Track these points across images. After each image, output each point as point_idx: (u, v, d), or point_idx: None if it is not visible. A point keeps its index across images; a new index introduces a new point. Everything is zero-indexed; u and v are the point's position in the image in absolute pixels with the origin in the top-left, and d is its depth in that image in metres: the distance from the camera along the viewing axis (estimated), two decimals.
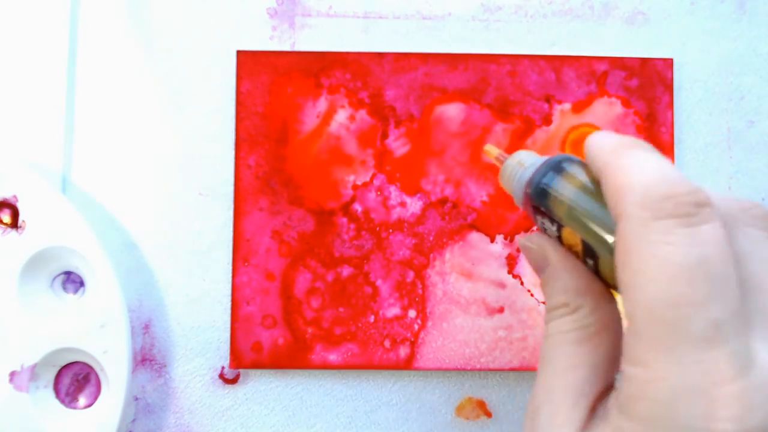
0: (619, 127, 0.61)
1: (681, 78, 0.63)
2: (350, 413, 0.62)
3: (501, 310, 0.61)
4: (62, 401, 0.60)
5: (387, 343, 0.60)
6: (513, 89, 0.62)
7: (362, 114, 0.61)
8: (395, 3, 0.63)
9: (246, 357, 0.60)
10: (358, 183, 0.61)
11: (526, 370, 0.61)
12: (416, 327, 0.60)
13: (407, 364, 0.60)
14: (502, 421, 0.62)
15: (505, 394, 0.62)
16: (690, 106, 0.63)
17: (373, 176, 0.61)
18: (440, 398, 0.62)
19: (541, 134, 0.62)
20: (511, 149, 0.61)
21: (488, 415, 0.62)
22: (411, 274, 0.61)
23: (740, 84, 0.64)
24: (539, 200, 0.44)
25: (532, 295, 0.61)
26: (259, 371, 0.61)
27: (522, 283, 0.61)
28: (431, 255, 0.61)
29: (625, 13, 0.64)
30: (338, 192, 0.61)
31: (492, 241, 0.61)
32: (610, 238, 0.40)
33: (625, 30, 0.63)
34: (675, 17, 0.64)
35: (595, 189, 0.42)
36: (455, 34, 0.63)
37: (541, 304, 0.61)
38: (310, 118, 0.61)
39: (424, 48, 0.63)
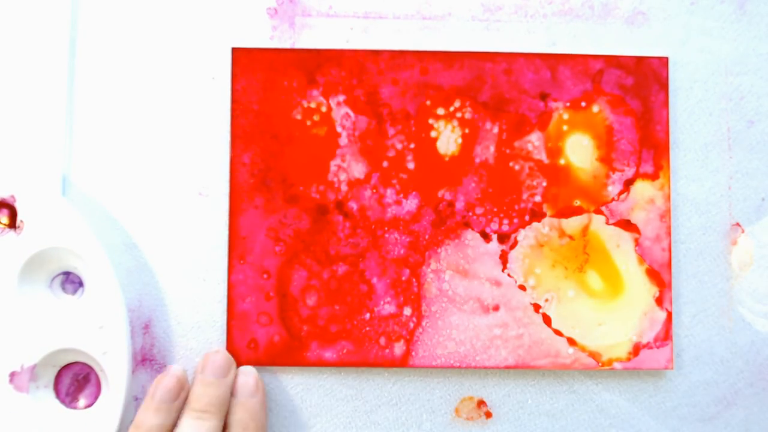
0: (614, 125, 0.61)
1: (680, 78, 0.63)
2: (349, 413, 0.62)
3: (496, 308, 0.61)
4: (62, 401, 0.60)
5: (382, 341, 0.60)
6: (508, 87, 0.62)
7: (358, 112, 0.61)
8: (395, 3, 0.63)
9: (242, 354, 0.60)
10: (354, 181, 0.61)
11: (522, 368, 0.61)
12: (411, 325, 0.60)
13: (402, 362, 0.60)
14: (502, 421, 0.62)
15: (504, 393, 0.62)
16: (689, 106, 0.63)
17: (369, 174, 0.61)
18: (439, 398, 0.62)
19: (537, 134, 0.62)
20: (507, 145, 0.61)
21: (488, 414, 0.62)
22: (406, 272, 0.61)
23: (740, 84, 0.64)
24: None
25: (524, 289, 0.61)
26: (258, 370, 0.61)
27: (516, 282, 0.61)
28: (426, 253, 0.61)
29: (625, 13, 0.63)
30: (334, 190, 0.61)
31: (487, 239, 0.61)
32: None
33: (625, 30, 0.63)
34: (675, 17, 0.64)
35: None
36: (455, 34, 0.63)
37: (531, 304, 0.61)
38: (306, 116, 0.61)
39: (424, 48, 0.63)
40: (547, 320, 0.61)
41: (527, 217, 0.61)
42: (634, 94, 0.62)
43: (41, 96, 0.61)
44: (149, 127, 0.62)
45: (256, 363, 0.60)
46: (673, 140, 0.63)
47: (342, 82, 0.61)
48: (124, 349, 0.58)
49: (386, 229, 0.61)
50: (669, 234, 0.61)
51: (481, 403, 0.62)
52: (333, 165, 0.61)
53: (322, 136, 0.61)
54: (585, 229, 0.61)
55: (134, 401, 0.61)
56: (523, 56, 0.62)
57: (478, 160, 0.61)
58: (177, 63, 0.62)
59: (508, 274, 0.61)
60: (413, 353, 0.60)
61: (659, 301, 0.61)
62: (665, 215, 0.61)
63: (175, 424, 0.58)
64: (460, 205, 0.61)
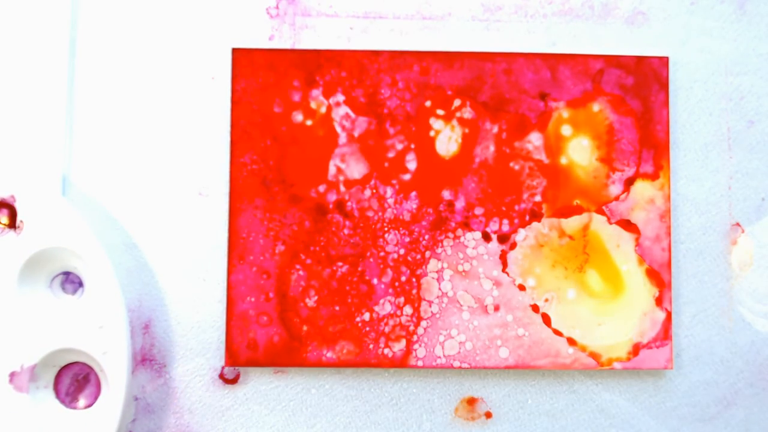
0: (614, 125, 0.61)
1: (680, 78, 0.63)
2: (350, 413, 0.62)
3: (496, 308, 0.61)
4: (62, 401, 0.60)
5: (382, 341, 0.60)
6: (508, 87, 0.62)
7: (358, 112, 0.61)
8: (395, 3, 0.63)
9: (241, 354, 0.60)
10: (354, 181, 0.61)
11: (522, 368, 0.61)
12: (411, 325, 0.60)
13: (402, 362, 0.60)
14: (502, 421, 0.62)
15: (505, 393, 0.62)
16: (689, 106, 0.63)
17: (369, 174, 0.61)
18: (440, 398, 0.62)
19: (536, 134, 0.62)
20: (507, 145, 0.61)
21: (488, 414, 0.62)
22: (406, 272, 0.61)
23: (740, 84, 0.64)
24: None
25: (524, 289, 0.61)
26: (258, 371, 0.61)
27: (516, 282, 0.61)
28: (426, 253, 0.61)
29: (625, 12, 0.63)
30: (334, 190, 0.61)
31: (487, 239, 0.61)
32: None
33: (625, 30, 0.63)
34: (675, 17, 0.64)
35: None
36: (455, 34, 0.63)
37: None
38: (306, 117, 0.61)
39: (424, 48, 0.63)
40: (547, 320, 0.61)
41: (527, 217, 0.61)
42: (634, 94, 0.62)
43: (41, 96, 0.61)
44: (149, 127, 0.62)
45: (256, 363, 0.60)
46: (673, 140, 0.63)
47: (342, 82, 0.61)
48: (124, 349, 0.58)
49: (386, 229, 0.61)
50: (669, 234, 0.61)
51: (481, 403, 0.62)
52: (333, 165, 0.61)
53: (321, 136, 0.61)
54: (585, 229, 0.61)
55: (134, 401, 0.61)
56: (523, 56, 0.62)
57: (478, 160, 0.61)
58: (177, 63, 0.62)
59: (508, 274, 0.61)
60: (413, 353, 0.60)
61: (659, 301, 0.61)
62: (665, 215, 0.61)
63: None
64: (460, 205, 0.61)
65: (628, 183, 0.61)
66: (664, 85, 0.62)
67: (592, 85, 0.62)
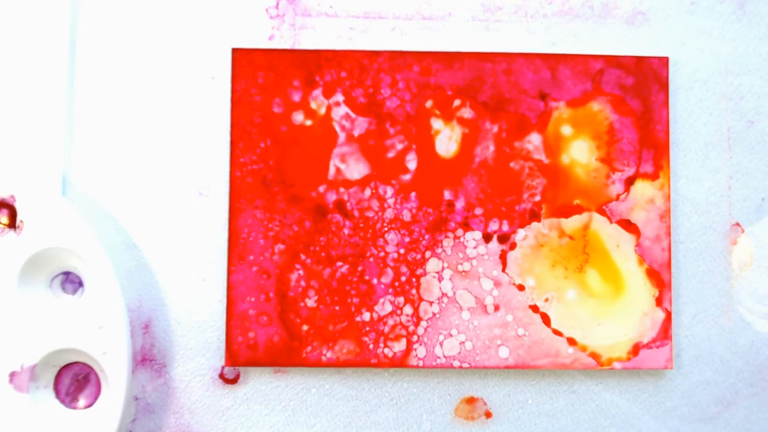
0: (614, 125, 0.61)
1: (680, 78, 0.63)
2: (350, 413, 0.62)
3: (496, 308, 0.61)
4: (62, 401, 0.60)
5: (382, 341, 0.60)
6: (508, 87, 0.61)
7: (358, 112, 0.61)
8: (395, 3, 0.63)
9: (241, 354, 0.60)
10: (354, 181, 0.61)
11: (522, 368, 0.61)
12: (411, 325, 0.60)
13: (402, 362, 0.60)
14: (502, 421, 0.62)
15: (505, 393, 0.62)
16: (689, 106, 0.63)
17: (369, 174, 0.61)
18: (440, 398, 0.62)
19: (536, 134, 0.62)
20: (507, 145, 0.61)
21: (488, 414, 0.62)
22: (406, 273, 0.61)
23: (740, 84, 0.63)
24: None
25: (523, 289, 0.61)
26: (258, 371, 0.61)
27: (516, 282, 0.61)
28: (426, 253, 0.61)
29: (625, 13, 0.63)
30: (334, 190, 0.61)
31: (487, 239, 0.61)
32: None
33: (625, 30, 0.63)
34: (675, 17, 0.64)
35: None
36: (455, 34, 0.63)
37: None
38: (306, 117, 0.61)
39: (424, 48, 0.63)
40: (546, 320, 0.61)
41: (527, 217, 0.61)
42: (634, 94, 0.62)
43: (41, 96, 0.61)
44: (149, 127, 0.62)
45: (256, 363, 0.60)
46: (673, 140, 0.63)
47: (342, 82, 0.61)
48: (124, 349, 0.58)
49: (386, 229, 0.61)
50: (669, 234, 0.61)
51: (481, 403, 0.62)
52: (333, 165, 0.61)
53: (322, 136, 0.61)
54: (585, 229, 0.61)
55: (134, 401, 0.61)
56: (523, 56, 0.62)
57: (478, 160, 0.61)
58: (177, 63, 0.62)
59: (508, 274, 0.61)
60: (413, 353, 0.60)
61: (659, 301, 0.61)
62: (665, 215, 0.61)
63: None
64: (460, 205, 0.61)
65: (628, 183, 0.61)
66: (664, 85, 0.62)
67: (592, 85, 0.62)
